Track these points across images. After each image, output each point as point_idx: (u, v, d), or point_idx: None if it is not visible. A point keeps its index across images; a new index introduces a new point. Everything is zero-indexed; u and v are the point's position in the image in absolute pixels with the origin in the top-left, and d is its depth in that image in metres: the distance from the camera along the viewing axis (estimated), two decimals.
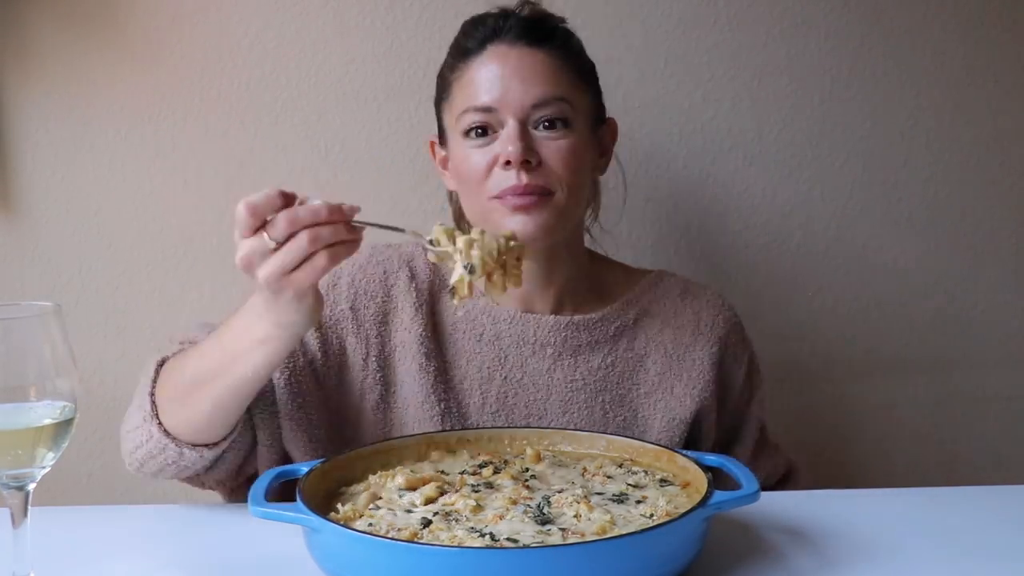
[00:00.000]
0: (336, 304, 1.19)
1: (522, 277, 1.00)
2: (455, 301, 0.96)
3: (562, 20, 1.22)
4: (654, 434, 1.21)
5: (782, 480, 1.31)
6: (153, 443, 1.03)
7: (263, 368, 0.96)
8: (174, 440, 1.02)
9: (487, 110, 1.13)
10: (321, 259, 0.86)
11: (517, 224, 1.11)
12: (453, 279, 0.96)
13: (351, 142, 1.51)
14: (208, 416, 1.00)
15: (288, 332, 0.93)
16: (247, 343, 0.94)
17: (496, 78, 1.13)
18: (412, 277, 1.22)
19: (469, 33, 1.18)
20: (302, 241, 0.85)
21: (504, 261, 0.98)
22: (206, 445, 1.03)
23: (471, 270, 0.95)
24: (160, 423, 1.02)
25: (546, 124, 1.12)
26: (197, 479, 1.11)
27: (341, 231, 0.86)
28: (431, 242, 0.97)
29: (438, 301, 1.22)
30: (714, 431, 1.25)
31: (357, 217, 0.88)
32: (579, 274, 1.24)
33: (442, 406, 1.18)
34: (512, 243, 1.00)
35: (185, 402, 1.00)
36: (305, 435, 1.14)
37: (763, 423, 1.31)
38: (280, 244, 0.85)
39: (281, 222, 0.84)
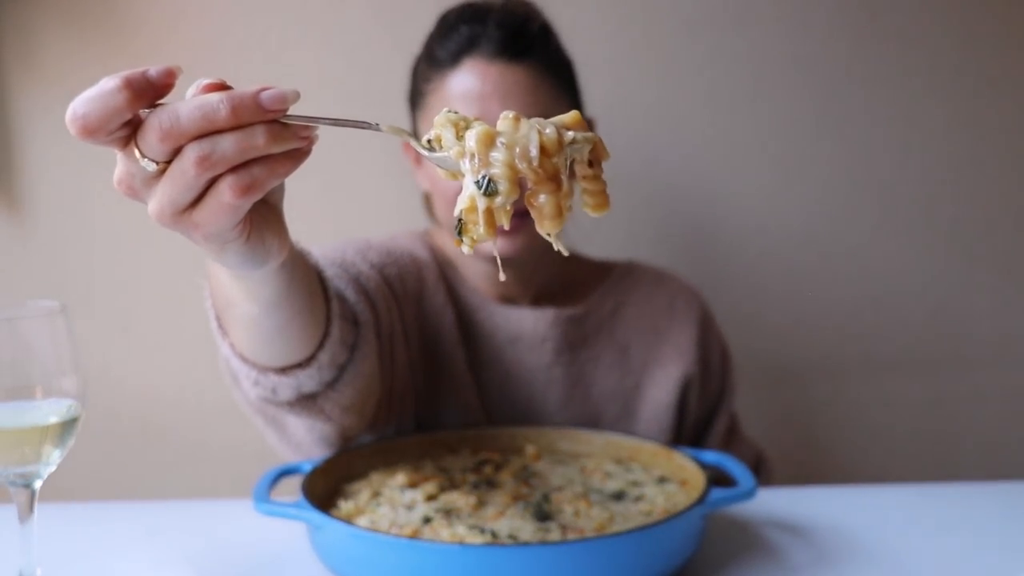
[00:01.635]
0: (384, 267, 1.12)
1: (607, 196, 0.60)
2: (465, 248, 0.57)
3: (539, 16, 1.14)
4: (644, 423, 1.22)
5: (753, 471, 1.29)
6: (239, 369, 0.85)
7: (249, 302, 0.74)
8: (253, 366, 0.84)
9: None
10: (226, 193, 0.54)
11: (499, 246, 1.10)
12: (459, 206, 0.56)
13: (354, 144, 1.51)
14: (250, 344, 0.82)
15: (246, 272, 0.66)
16: (225, 272, 0.71)
17: (474, 98, 1.07)
18: (436, 262, 1.19)
19: (442, 41, 1.11)
20: (186, 164, 0.53)
21: (555, 169, 0.56)
22: (298, 365, 0.84)
23: (489, 189, 0.56)
24: (232, 344, 0.84)
25: None
26: (317, 406, 0.91)
27: (257, 138, 0.53)
28: (429, 143, 0.59)
29: (455, 290, 1.21)
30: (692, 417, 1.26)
31: (294, 110, 0.55)
32: (554, 270, 1.25)
33: (472, 397, 1.18)
34: (576, 135, 0.57)
35: (227, 322, 0.82)
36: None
37: (734, 412, 1.31)
38: (165, 164, 0.54)
39: (151, 134, 0.53)
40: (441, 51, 1.11)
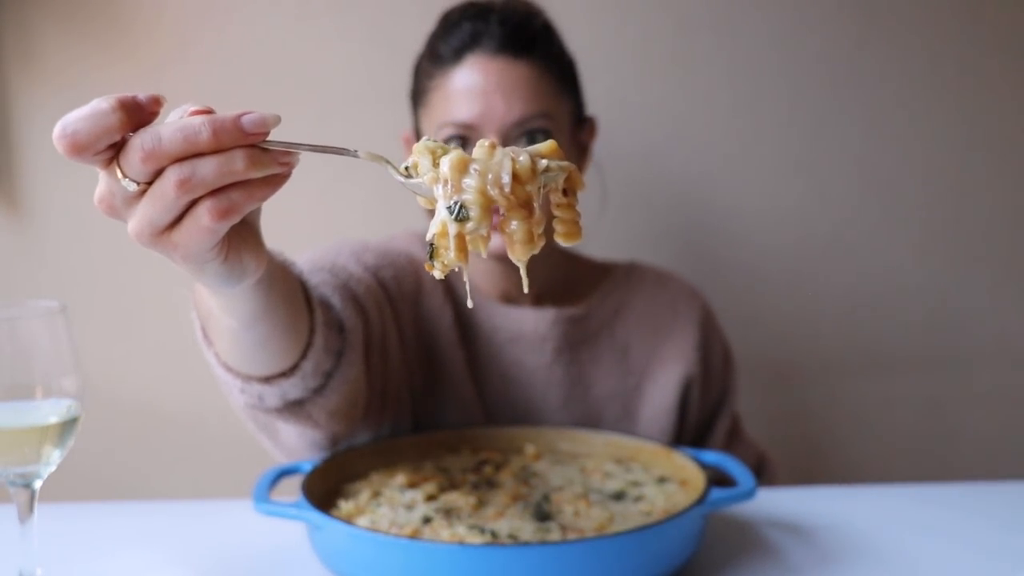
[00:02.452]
0: (380, 269, 1.13)
1: (579, 226, 0.62)
2: (437, 272, 0.58)
3: (541, 15, 1.16)
4: (644, 423, 1.22)
5: (755, 473, 1.29)
6: (224, 378, 0.86)
7: (228, 316, 0.75)
8: (237, 375, 0.86)
9: (467, 126, 1.09)
10: (204, 217, 0.55)
11: (496, 245, 1.10)
12: (431, 231, 0.57)
13: (354, 145, 1.50)
14: (233, 355, 0.83)
15: (224, 290, 0.66)
16: (203, 287, 0.71)
17: (477, 94, 1.08)
18: None
19: (446, 37, 1.13)
20: (167, 186, 0.54)
21: (528, 196, 0.57)
22: (281, 374, 0.85)
23: (461, 215, 0.56)
24: (217, 354, 0.85)
25: (527, 139, 1.09)
26: (304, 411, 0.92)
27: (236, 163, 0.54)
28: (407, 170, 0.59)
29: (455, 290, 1.21)
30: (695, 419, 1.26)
31: (275, 135, 0.56)
32: (555, 270, 1.25)
33: (471, 396, 1.18)
34: (550, 163, 0.59)
35: (210, 333, 0.84)
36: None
37: (736, 414, 1.31)
38: (146, 185, 0.55)
39: (133, 154, 0.53)
40: (444, 48, 1.12)
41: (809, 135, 1.58)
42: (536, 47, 1.12)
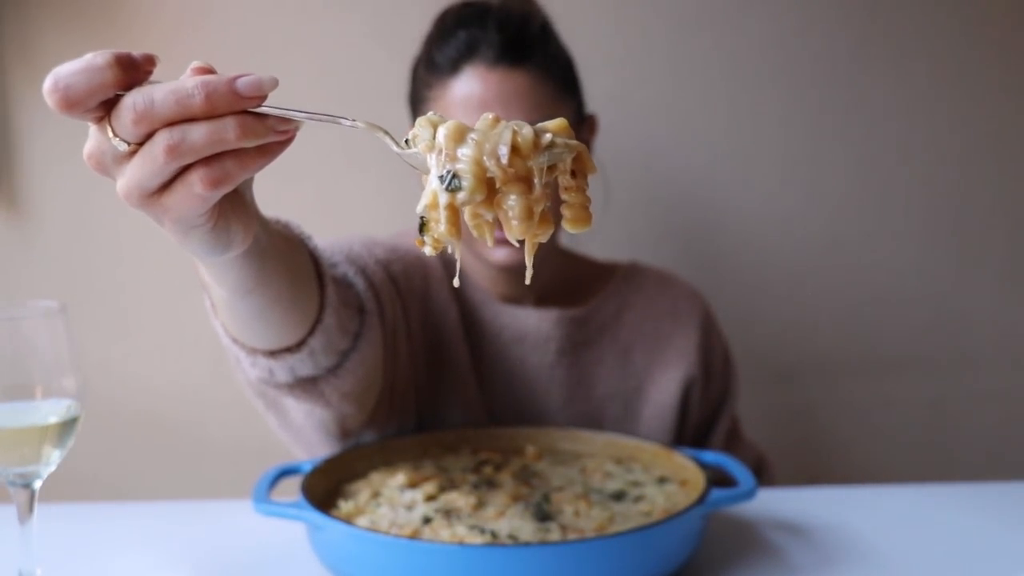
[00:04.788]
0: (390, 264, 1.12)
1: (588, 212, 0.57)
2: (427, 249, 0.55)
3: (539, 15, 1.14)
4: (645, 424, 1.22)
5: (754, 474, 1.29)
6: (230, 348, 0.85)
7: (219, 286, 0.72)
8: (242, 347, 0.84)
9: None
10: (196, 184, 0.53)
11: (503, 255, 1.10)
12: (422, 202, 0.54)
13: (354, 145, 1.51)
14: (232, 325, 0.82)
15: (209, 259, 0.63)
16: (193, 257, 0.68)
17: (476, 106, 1.06)
18: (441, 260, 1.19)
19: (441, 45, 1.10)
20: (156, 150, 0.52)
21: (527, 171, 0.53)
22: (287, 349, 0.84)
23: (453, 185, 0.53)
24: (223, 323, 0.83)
25: None
26: (317, 389, 0.91)
27: (229, 130, 0.52)
28: (407, 142, 0.56)
29: (460, 289, 1.20)
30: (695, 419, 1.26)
31: (272, 100, 0.54)
32: (557, 271, 1.25)
33: (474, 395, 1.18)
34: (556, 139, 0.55)
35: (214, 303, 0.82)
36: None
37: (735, 415, 1.31)
38: (138, 145, 0.53)
39: (125, 115, 0.52)
40: (440, 57, 1.10)
41: (809, 135, 1.58)
42: (534, 53, 1.09)
